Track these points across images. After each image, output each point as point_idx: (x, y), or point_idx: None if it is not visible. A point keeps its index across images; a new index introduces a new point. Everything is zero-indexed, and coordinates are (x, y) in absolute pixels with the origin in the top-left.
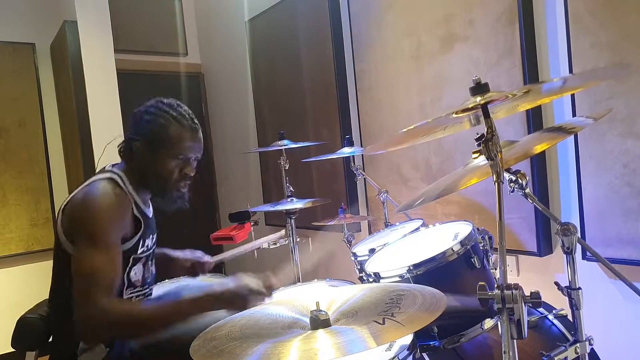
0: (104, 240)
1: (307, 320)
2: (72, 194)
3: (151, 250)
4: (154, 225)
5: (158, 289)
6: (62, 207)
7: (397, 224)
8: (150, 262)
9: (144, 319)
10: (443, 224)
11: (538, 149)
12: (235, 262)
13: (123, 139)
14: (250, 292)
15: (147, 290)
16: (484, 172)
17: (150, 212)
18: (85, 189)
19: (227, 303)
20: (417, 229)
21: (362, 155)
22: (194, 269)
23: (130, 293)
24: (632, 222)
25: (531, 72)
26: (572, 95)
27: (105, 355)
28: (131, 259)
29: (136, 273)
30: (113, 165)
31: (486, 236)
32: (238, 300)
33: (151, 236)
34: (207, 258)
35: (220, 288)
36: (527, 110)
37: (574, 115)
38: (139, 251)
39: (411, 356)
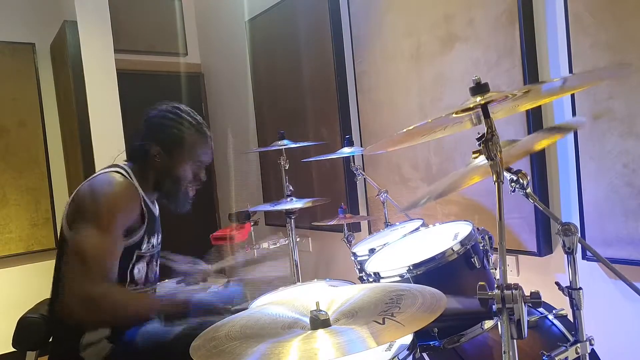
0: (106, 224)
1: (307, 320)
2: (79, 187)
3: (156, 250)
4: (159, 225)
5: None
6: (68, 201)
7: (397, 223)
8: (154, 263)
9: (128, 311)
10: (443, 224)
11: (537, 146)
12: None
13: (128, 145)
14: (223, 310)
15: (149, 290)
16: (487, 171)
17: (156, 210)
18: (92, 179)
19: (199, 314)
20: (417, 229)
21: (362, 155)
22: (193, 276)
23: (132, 290)
24: (632, 222)
25: (531, 72)
26: (572, 95)
27: (109, 351)
28: (135, 255)
29: (139, 271)
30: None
31: (486, 236)
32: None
33: (156, 235)
34: (205, 266)
35: (199, 298)
36: (527, 110)
37: (574, 115)
38: (143, 248)
39: (411, 356)
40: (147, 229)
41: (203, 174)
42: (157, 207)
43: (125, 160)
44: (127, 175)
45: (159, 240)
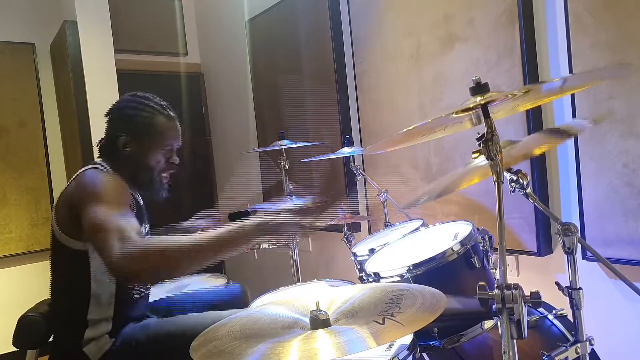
0: (110, 199)
1: (307, 320)
2: (62, 191)
3: None
4: (146, 215)
5: (158, 289)
6: (55, 205)
7: (397, 223)
8: None
9: (182, 248)
10: (443, 224)
11: (537, 151)
12: (235, 263)
13: (98, 143)
14: (287, 221)
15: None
16: (487, 171)
17: (140, 200)
18: (76, 178)
19: (266, 231)
20: (417, 229)
21: (362, 155)
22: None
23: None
24: (632, 222)
25: (531, 72)
26: (572, 96)
27: (110, 346)
28: None
29: None
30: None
31: (486, 236)
32: (277, 228)
33: (144, 225)
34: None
35: (257, 219)
36: (527, 111)
37: (574, 115)
38: None
39: (411, 356)
40: (137, 217)
41: (175, 158)
42: (139, 196)
43: (98, 157)
44: (103, 170)
45: (147, 230)
